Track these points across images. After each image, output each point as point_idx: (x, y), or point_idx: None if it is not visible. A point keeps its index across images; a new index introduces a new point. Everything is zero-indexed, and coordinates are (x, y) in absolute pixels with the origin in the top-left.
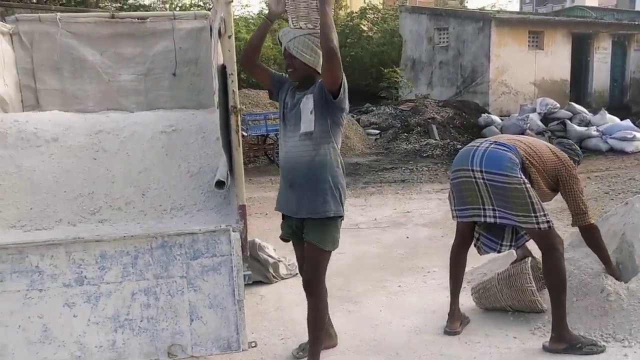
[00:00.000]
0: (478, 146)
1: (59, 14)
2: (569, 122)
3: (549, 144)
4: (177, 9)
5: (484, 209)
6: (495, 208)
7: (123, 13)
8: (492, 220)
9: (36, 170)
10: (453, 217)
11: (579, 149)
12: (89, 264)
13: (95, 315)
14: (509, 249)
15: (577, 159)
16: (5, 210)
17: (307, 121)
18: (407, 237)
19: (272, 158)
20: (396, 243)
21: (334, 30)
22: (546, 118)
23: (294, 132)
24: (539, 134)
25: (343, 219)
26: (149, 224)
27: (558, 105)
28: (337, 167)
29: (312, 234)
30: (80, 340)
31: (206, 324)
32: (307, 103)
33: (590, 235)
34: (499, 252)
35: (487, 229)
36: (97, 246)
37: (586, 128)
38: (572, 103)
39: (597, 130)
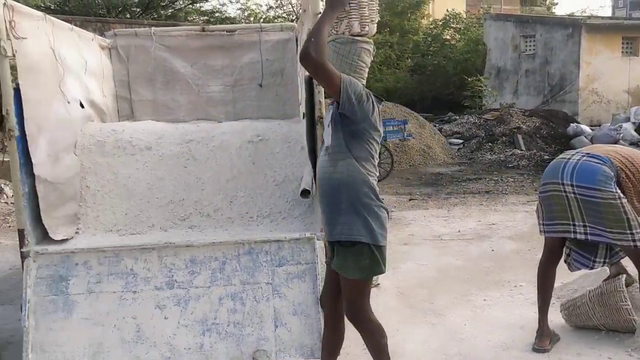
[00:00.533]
0: (569, 158)
1: (153, 28)
2: None
3: None
4: (261, 21)
5: (574, 225)
6: (587, 224)
7: (213, 26)
8: (582, 237)
9: (131, 177)
10: (540, 232)
11: None
12: (180, 268)
13: (185, 318)
14: (602, 266)
15: None
16: (102, 215)
17: (327, 134)
18: (493, 250)
19: None
20: (481, 256)
21: (316, 35)
22: None
23: (323, 147)
24: (633, 144)
25: (379, 247)
26: (236, 230)
27: None
28: (361, 186)
29: (335, 259)
30: (170, 342)
31: (290, 330)
32: (328, 115)
33: None
34: (591, 268)
35: (579, 245)
36: (187, 251)
37: None
38: None
39: None
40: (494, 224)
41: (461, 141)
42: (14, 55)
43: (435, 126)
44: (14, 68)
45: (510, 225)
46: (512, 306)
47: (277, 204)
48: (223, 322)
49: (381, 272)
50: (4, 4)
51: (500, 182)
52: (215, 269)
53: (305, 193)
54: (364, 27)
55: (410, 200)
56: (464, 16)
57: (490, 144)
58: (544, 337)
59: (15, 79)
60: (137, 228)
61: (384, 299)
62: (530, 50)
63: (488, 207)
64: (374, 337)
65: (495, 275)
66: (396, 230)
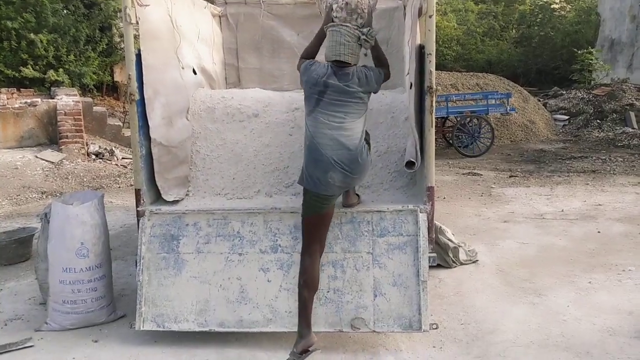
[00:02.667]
0: None
1: None
2: None
3: None
4: None
5: None
6: None
7: None
8: None
9: (239, 143)
10: None
11: None
12: (284, 233)
13: (287, 282)
14: None
15: None
16: (211, 179)
17: None
18: (599, 232)
19: (450, 141)
20: (586, 237)
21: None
22: None
23: None
24: None
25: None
26: (339, 199)
27: None
28: None
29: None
30: (272, 304)
31: (389, 301)
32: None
33: None
34: None
35: None
36: (291, 217)
37: None
38: None
39: None
40: (600, 205)
41: (567, 117)
42: (137, 23)
43: (539, 101)
44: (136, 35)
45: (619, 206)
46: (619, 290)
47: (379, 175)
48: (323, 288)
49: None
50: None
51: (608, 162)
52: None
53: (409, 164)
54: None
55: (510, 177)
56: None
57: (598, 121)
58: None
59: (136, 45)
60: (243, 193)
61: (482, 276)
62: None
63: (594, 187)
64: None
65: (601, 258)
66: (495, 207)
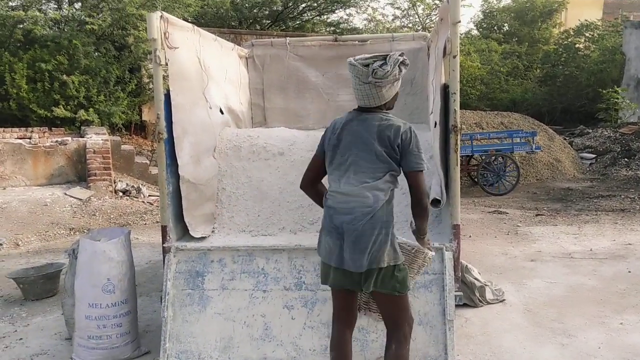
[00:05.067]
0: None
1: (288, 38)
2: None
3: None
4: (387, 32)
5: None
6: None
7: (344, 36)
8: None
9: (264, 181)
10: None
11: None
12: (308, 270)
13: (311, 319)
14: None
15: None
16: (237, 216)
17: None
18: (629, 272)
19: (475, 179)
20: (616, 277)
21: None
22: None
23: None
24: None
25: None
26: None
27: None
28: None
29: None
30: (296, 342)
31: (415, 340)
32: None
33: None
34: None
35: None
36: (315, 254)
37: None
38: None
39: None
40: (630, 244)
41: (594, 156)
42: (166, 64)
43: (565, 139)
44: (166, 76)
45: None
46: None
47: (404, 213)
48: None
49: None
50: (161, 16)
51: (637, 200)
52: None
53: (435, 202)
54: None
55: (537, 215)
56: (600, 24)
57: (626, 159)
58: None
59: (165, 85)
60: (268, 230)
61: (509, 316)
62: None
63: (624, 226)
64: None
65: (632, 299)
66: (522, 246)
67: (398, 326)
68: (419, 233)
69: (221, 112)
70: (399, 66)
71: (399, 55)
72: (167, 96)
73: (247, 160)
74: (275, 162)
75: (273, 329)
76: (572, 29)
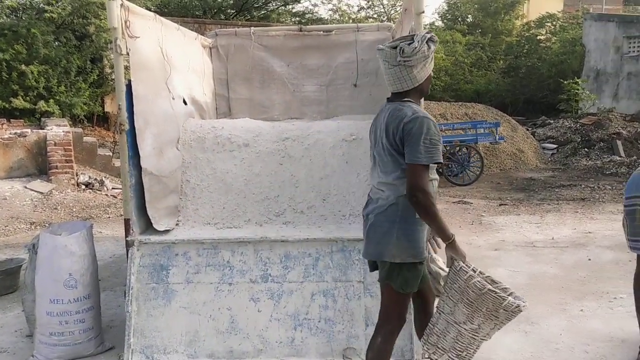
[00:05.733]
0: None
1: (252, 28)
2: None
3: None
4: (351, 22)
5: None
6: None
7: (310, 27)
8: None
9: (229, 173)
10: (628, 247)
11: None
12: (274, 262)
13: (278, 311)
14: None
15: None
16: (201, 208)
17: None
18: (589, 259)
19: (440, 170)
20: (577, 265)
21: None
22: None
23: None
24: None
25: None
26: (329, 228)
27: None
28: None
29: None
30: (263, 334)
31: None
32: None
33: None
34: None
35: None
36: (282, 246)
37: None
38: None
39: None
40: (590, 233)
41: (555, 146)
42: (127, 53)
43: (527, 130)
44: (125, 66)
45: (609, 234)
46: (611, 318)
47: None
48: (314, 318)
49: None
50: (121, 4)
51: (597, 190)
52: (308, 264)
53: None
54: None
55: (500, 205)
56: (560, 16)
57: (586, 149)
58: None
59: (127, 75)
60: (233, 222)
61: None
62: (633, 52)
63: (584, 214)
64: None
65: (592, 286)
66: (486, 236)
67: (388, 320)
68: (440, 238)
69: (184, 102)
70: (427, 43)
71: (426, 33)
72: (129, 86)
73: (212, 151)
74: (240, 153)
75: (239, 322)
76: (534, 21)
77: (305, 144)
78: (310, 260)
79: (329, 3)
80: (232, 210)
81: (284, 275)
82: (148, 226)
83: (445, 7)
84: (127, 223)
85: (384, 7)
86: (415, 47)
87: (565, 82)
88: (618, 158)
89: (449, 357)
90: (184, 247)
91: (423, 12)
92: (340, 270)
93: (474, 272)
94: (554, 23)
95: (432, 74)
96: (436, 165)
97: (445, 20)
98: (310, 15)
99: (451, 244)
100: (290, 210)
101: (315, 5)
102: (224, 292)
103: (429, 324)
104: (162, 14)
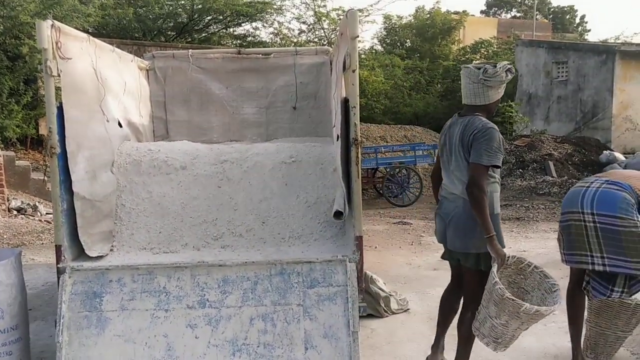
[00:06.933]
0: (588, 186)
1: (190, 50)
2: None
3: None
4: (293, 45)
5: (592, 257)
6: (605, 256)
7: (248, 49)
8: (600, 268)
9: (166, 196)
10: (562, 260)
11: None
12: (212, 287)
13: (215, 337)
14: (620, 295)
15: None
16: (137, 233)
17: None
18: None
19: (380, 191)
20: None
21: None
22: None
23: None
24: None
25: None
26: (268, 251)
27: None
28: None
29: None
30: None
31: (320, 353)
32: None
33: None
34: (608, 297)
35: (598, 272)
36: (219, 270)
37: None
38: None
39: None
40: (525, 251)
41: None
42: (58, 75)
43: None
44: (57, 88)
45: (542, 252)
46: (545, 335)
47: (309, 225)
48: (253, 343)
49: None
50: (52, 25)
51: (531, 209)
52: (247, 289)
53: (337, 215)
54: None
55: None
56: (494, 42)
57: (520, 170)
58: None
59: (59, 98)
60: (170, 247)
61: (413, 325)
62: (562, 76)
63: (519, 233)
64: None
65: None
66: (425, 256)
67: (476, 299)
68: (484, 230)
69: (120, 125)
70: (506, 72)
71: (508, 63)
72: (60, 109)
73: (148, 175)
74: (177, 176)
75: (176, 349)
76: (469, 46)
77: (244, 167)
78: (249, 284)
79: (270, 27)
80: (168, 234)
81: (221, 300)
82: (81, 252)
83: (384, 32)
84: (58, 249)
85: (324, 31)
86: (497, 72)
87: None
88: (550, 178)
89: (488, 341)
90: (118, 273)
91: (357, 36)
92: (280, 294)
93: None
94: (488, 49)
95: (499, 100)
96: (499, 169)
97: (384, 45)
98: (252, 38)
99: (490, 239)
100: (229, 234)
101: (256, 28)
102: (160, 319)
103: (477, 311)
104: (100, 35)
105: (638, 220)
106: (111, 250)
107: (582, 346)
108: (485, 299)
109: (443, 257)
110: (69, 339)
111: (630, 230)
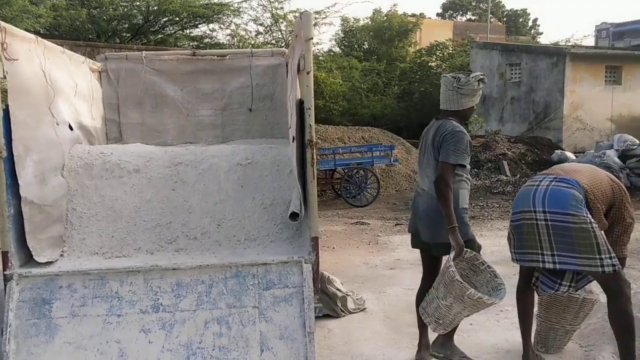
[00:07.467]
0: (538, 184)
1: (144, 52)
2: None
3: (607, 173)
4: (250, 47)
5: (543, 255)
6: (555, 253)
7: (203, 51)
8: (551, 266)
9: (118, 200)
10: (512, 259)
11: (622, 174)
12: (165, 291)
13: (170, 342)
14: (567, 290)
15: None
16: (88, 238)
17: None
18: None
19: (338, 192)
20: None
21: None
22: (624, 155)
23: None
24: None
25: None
26: (224, 254)
27: (637, 141)
28: None
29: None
30: None
31: (276, 355)
32: None
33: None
34: (556, 291)
35: (547, 268)
36: (173, 274)
37: None
38: None
39: None
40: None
41: None
42: (4, 77)
43: None
44: (4, 90)
45: (496, 250)
46: (498, 330)
47: (265, 227)
48: (208, 347)
49: None
50: None
51: (485, 208)
52: (201, 292)
53: (293, 216)
54: None
55: (396, 225)
56: (449, 44)
57: (475, 170)
58: None
59: (5, 100)
60: (123, 251)
61: (370, 324)
62: (515, 78)
63: (474, 232)
64: None
65: None
66: (383, 255)
67: None
68: (446, 221)
69: (70, 128)
70: (478, 81)
71: (480, 74)
72: (7, 111)
73: (100, 178)
74: (131, 179)
75: (129, 355)
76: (425, 48)
77: (199, 169)
78: (204, 287)
79: (227, 28)
80: (121, 238)
81: (176, 304)
82: (29, 259)
83: (342, 35)
84: (4, 256)
85: (282, 33)
86: (469, 81)
87: None
88: (504, 177)
89: (430, 320)
90: (69, 279)
91: (311, 38)
92: (235, 297)
93: (462, 260)
94: (444, 51)
95: (474, 107)
96: (466, 168)
97: (342, 47)
98: (209, 39)
99: (452, 229)
100: (184, 237)
101: (213, 30)
102: (112, 325)
103: (427, 292)
104: (52, 37)
105: (587, 217)
106: (61, 255)
107: (533, 340)
108: (437, 280)
109: (413, 246)
110: (17, 347)
111: (580, 226)
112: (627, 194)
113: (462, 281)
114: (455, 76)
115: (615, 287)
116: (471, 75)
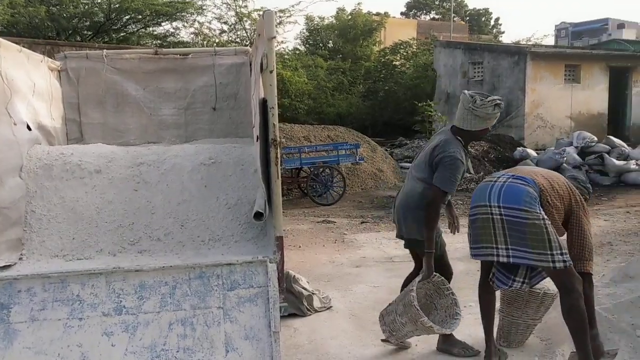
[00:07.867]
0: (495, 181)
1: (105, 50)
2: (607, 155)
3: (565, 179)
4: (214, 45)
5: (497, 249)
6: (509, 247)
7: (166, 50)
8: (505, 260)
9: (79, 201)
10: (471, 255)
11: (590, 185)
12: (128, 293)
13: (133, 344)
14: (521, 286)
15: (587, 196)
16: (48, 240)
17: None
18: None
19: (305, 191)
20: None
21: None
22: (583, 152)
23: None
24: (576, 167)
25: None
26: (187, 254)
27: (596, 138)
28: None
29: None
30: None
31: (241, 355)
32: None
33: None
34: (510, 287)
35: (503, 264)
36: (136, 276)
37: (625, 162)
38: (610, 137)
39: (637, 164)
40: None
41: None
42: None
43: (386, 150)
44: None
45: (460, 246)
46: (462, 326)
47: (229, 227)
48: (172, 348)
49: None
50: None
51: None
52: (165, 293)
53: (258, 215)
54: None
55: (362, 223)
56: (413, 43)
57: None
58: (492, 356)
59: None
60: (84, 253)
61: (336, 322)
62: (478, 76)
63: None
64: None
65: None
66: (348, 253)
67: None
68: (426, 245)
69: (29, 128)
70: (494, 105)
71: (498, 99)
72: None
73: (60, 179)
74: (92, 180)
75: (91, 359)
76: (389, 47)
77: (162, 169)
78: (167, 288)
79: (190, 26)
80: (82, 240)
81: (139, 306)
82: None
83: (307, 33)
84: None
85: (246, 31)
86: (484, 104)
87: (419, 104)
88: (468, 175)
89: (385, 329)
90: (28, 283)
91: (274, 37)
92: (199, 297)
93: (423, 285)
94: (408, 49)
95: (489, 129)
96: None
97: (307, 46)
98: (172, 38)
99: (428, 255)
100: (146, 238)
101: (176, 28)
102: (73, 328)
103: (390, 303)
104: (10, 34)
105: (541, 213)
106: (20, 258)
107: (495, 335)
108: (399, 297)
109: (397, 236)
110: None
111: (533, 222)
112: (585, 205)
113: (419, 308)
114: (472, 96)
115: (567, 283)
116: (488, 99)
